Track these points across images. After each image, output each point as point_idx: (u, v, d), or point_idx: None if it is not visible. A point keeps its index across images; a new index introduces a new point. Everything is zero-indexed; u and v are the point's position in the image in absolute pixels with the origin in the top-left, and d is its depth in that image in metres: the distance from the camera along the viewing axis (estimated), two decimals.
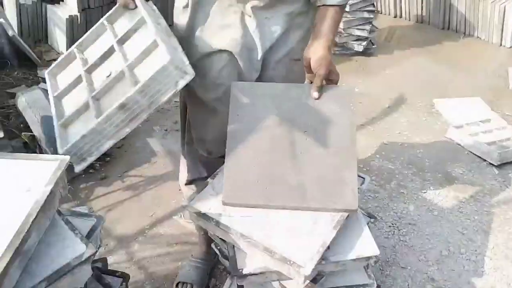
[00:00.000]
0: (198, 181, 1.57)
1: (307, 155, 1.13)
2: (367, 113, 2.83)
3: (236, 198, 1.12)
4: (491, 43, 3.72)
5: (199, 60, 1.25)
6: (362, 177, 1.27)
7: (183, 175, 1.64)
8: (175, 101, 2.97)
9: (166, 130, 2.74)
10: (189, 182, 1.62)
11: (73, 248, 0.77)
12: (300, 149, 1.13)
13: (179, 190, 2.26)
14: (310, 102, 1.17)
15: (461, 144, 2.46)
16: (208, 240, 1.73)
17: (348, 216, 1.14)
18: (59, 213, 0.83)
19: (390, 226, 1.92)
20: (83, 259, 0.75)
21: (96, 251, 0.81)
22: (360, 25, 3.38)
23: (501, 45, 3.68)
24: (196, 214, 1.13)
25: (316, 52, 1.13)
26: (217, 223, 1.10)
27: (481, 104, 2.88)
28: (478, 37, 3.81)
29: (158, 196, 2.24)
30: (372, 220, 1.28)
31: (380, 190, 2.13)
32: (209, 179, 1.23)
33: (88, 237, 0.85)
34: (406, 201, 2.06)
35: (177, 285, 1.70)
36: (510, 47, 3.65)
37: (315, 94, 1.16)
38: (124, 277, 1.04)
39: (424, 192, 2.12)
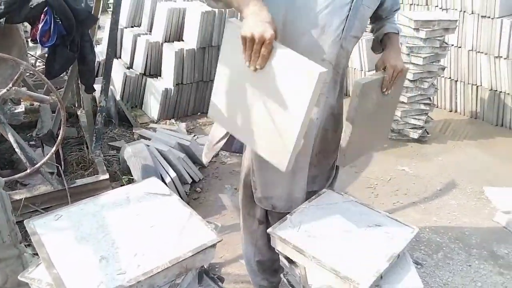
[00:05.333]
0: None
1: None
2: (419, 193, 3.08)
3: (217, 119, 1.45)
4: None
5: None
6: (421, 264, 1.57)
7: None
8: None
9: (235, 189, 3.14)
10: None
11: (208, 236, 1.14)
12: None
13: None
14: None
15: (507, 228, 2.63)
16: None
17: (399, 256, 1.43)
18: None
19: None
20: (214, 243, 1.12)
21: (220, 240, 1.17)
22: (416, 115, 3.75)
23: None
24: (278, 238, 1.47)
25: (398, 58, 1.54)
26: (294, 247, 1.42)
27: None
28: None
29: (227, 243, 2.57)
30: (418, 266, 1.54)
31: (427, 259, 2.34)
32: (287, 215, 1.57)
33: None
34: (451, 271, 2.25)
35: None
36: None
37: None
38: (221, 279, 1.37)
39: (469, 265, 2.30)
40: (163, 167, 2.78)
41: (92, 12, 3.24)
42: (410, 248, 2.37)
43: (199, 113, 4.39)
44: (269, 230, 1.50)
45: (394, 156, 3.61)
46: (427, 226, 2.65)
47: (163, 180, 2.71)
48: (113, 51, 2.80)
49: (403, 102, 3.71)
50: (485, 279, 2.21)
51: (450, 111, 4.55)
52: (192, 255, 1.09)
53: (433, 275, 2.21)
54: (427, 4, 4.53)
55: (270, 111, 1.27)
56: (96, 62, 4.25)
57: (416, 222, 2.67)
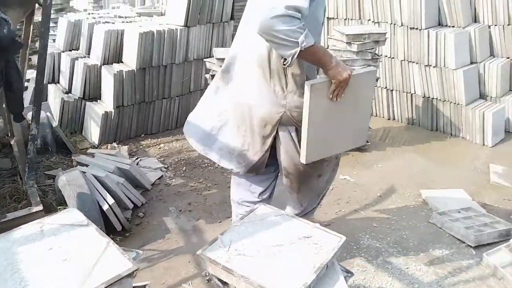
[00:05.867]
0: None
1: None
2: (360, 200, 3.16)
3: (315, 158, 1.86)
4: (475, 142, 4.14)
5: None
6: (351, 273, 1.61)
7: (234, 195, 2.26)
8: (191, 185, 3.38)
9: (180, 210, 3.09)
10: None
11: (124, 265, 1.10)
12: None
13: (189, 262, 2.55)
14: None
15: (442, 228, 2.74)
16: None
17: (327, 267, 1.45)
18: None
19: None
20: (130, 272, 1.09)
21: (137, 269, 1.14)
22: None
23: (483, 144, 4.09)
24: (208, 260, 1.45)
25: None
26: (224, 267, 1.41)
27: (464, 195, 3.20)
28: (463, 137, 4.26)
29: (170, 267, 2.51)
30: (349, 275, 1.57)
31: (367, 265, 2.39)
32: (218, 235, 1.56)
33: None
34: (390, 275, 2.31)
35: None
36: (492, 147, 4.05)
37: None
38: None
39: (407, 268, 2.37)
40: (100, 194, 2.69)
41: (23, 37, 3.14)
42: (341, 256, 2.41)
43: (142, 135, 4.31)
44: (198, 252, 1.48)
45: None
46: (368, 233, 2.72)
47: (100, 208, 2.62)
48: (42, 77, 2.70)
49: None
50: (421, 280, 2.28)
51: (388, 119, 4.74)
52: (106, 287, 1.05)
53: (373, 280, 2.26)
54: (360, 18, 4.73)
55: (352, 113, 1.87)
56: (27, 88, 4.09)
57: (357, 229, 2.75)
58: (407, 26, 4.33)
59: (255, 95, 1.89)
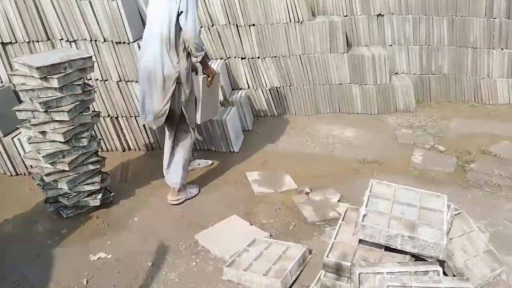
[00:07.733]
0: None
1: None
2: (129, 281, 2.33)
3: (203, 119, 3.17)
4: (222, 152, 3.87)
5: None
6: None
7: None
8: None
9: None
10: None
11: None
12: None
13: None
14: None
15: (242, 283, 2.24)
16: None
17: None
18: None
19: None
20: None
21: None
22: (88, 179, 2.92)
23: (231, 151, 3.87)
24: None
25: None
26: None
27: (239, 222, 2.83)
28: (209, 149, 3.93)
29: None
30: None
31: None
32: None
33: None
34: None
35: None
36: (238, 152, 3.88)
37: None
38: None
39: None
40: None
41: None
42: None
43: None
44: None
45: (82, 244, 2.69)
46: None
47: None
48: None
49: (65, 171, 2.80)
50: None
51: (123, 150, 3.94)
52: None
53: None
54: (49, 39, 3.67)
55: (213, 95, 3.28)
56: None
57: None
58: (112, 41, 3.59)
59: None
